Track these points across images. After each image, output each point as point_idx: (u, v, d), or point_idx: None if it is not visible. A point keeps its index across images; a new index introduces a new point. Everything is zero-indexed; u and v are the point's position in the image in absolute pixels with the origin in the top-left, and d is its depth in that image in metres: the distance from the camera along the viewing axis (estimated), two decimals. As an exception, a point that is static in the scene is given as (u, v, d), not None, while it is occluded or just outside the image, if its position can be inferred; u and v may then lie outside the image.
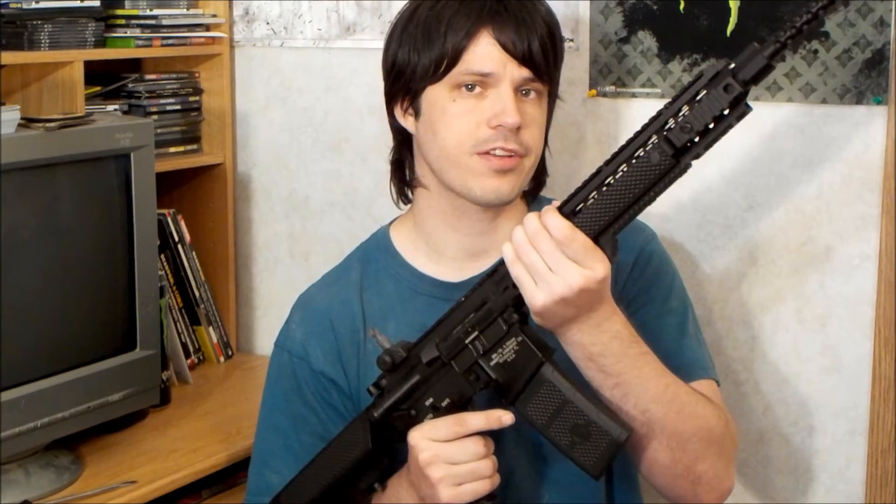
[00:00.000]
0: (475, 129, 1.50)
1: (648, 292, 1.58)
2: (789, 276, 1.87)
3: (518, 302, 1.40)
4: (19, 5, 2.03)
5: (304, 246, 2.37)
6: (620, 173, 1.33)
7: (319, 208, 2.34)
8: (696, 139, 1.31)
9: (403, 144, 1.63)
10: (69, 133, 1.81)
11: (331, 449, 1.52)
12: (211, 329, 2.39)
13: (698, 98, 1.31)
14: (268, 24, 2.34)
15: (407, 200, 1.65)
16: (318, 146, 2.33)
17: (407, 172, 1.63)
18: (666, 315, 1.58)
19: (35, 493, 1.76)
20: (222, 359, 2.40)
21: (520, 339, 1.40)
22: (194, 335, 2.37)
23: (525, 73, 1.50)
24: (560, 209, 1.36)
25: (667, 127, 1.31)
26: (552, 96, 1.59)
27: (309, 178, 2.34)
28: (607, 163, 1.35)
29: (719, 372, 1.94)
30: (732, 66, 1.30)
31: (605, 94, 1.97)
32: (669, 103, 1.33)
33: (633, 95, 1.94)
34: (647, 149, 1.32)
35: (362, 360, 1.60)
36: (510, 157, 1.50)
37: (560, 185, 1.98)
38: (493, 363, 1.41)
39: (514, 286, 1.38)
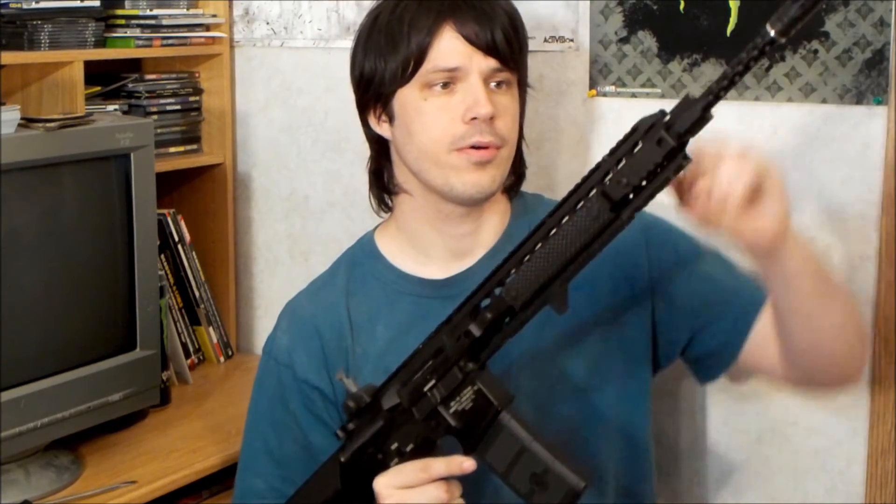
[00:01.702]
0: (450, 126, 1.50)
1: (678, 252, 1.59)
2: (789, 276, 1.87)
3: (473, 350, 1.40)
4: (19, 5, 2.03)
5: (304, 246, 2.37)
6: (563, 225, 1.33)
7: (319, 208, 2.34)
8: (633, 192, 1.30)
9: (381, 153, 1.63)
10: (69, 133, 1.81)
11: (304, 490, 1.53)
12: (211, 329, 2.39)
13: (635, 151, 1.30)
14: (268, 24, 2.34)
15: (388, 208, 1.66)
16: (318, 146, 2.33)
17: (386, 180, 1.63)
18: (706, 260, 1.59)
19: (35, 493, 1.77)
20: (222, 359, 2.40)
21: (476, 387, 1.40)
22: (194, 335, 2.37)
23: (492, 63, 1.51)
24: (506, 261, 1.36)
25: (606, 180, 1.31)
26: (522, 86, 1.59)
27: (309, 178, 2.34)
28: (551, 214, 1.35)
29: (719, 372, 1.93)
30: (667, 118, 1.28)
31: (605, 94, 1.97)
32: (609, 154, 1.32)
33: (633, 95, 1.94)
34: (587, 201, 1.32)
35: (351, 366, 1.60)
36: (487, 148, 1.50)
37: (560, 185, 1.98)
38: (451, 411, 1.41)
39: (466, 335, 1.38)
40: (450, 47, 1.50)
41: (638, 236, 1.58)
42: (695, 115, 1.27)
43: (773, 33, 1.21)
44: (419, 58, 1.50)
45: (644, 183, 1.28)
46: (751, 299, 1.54)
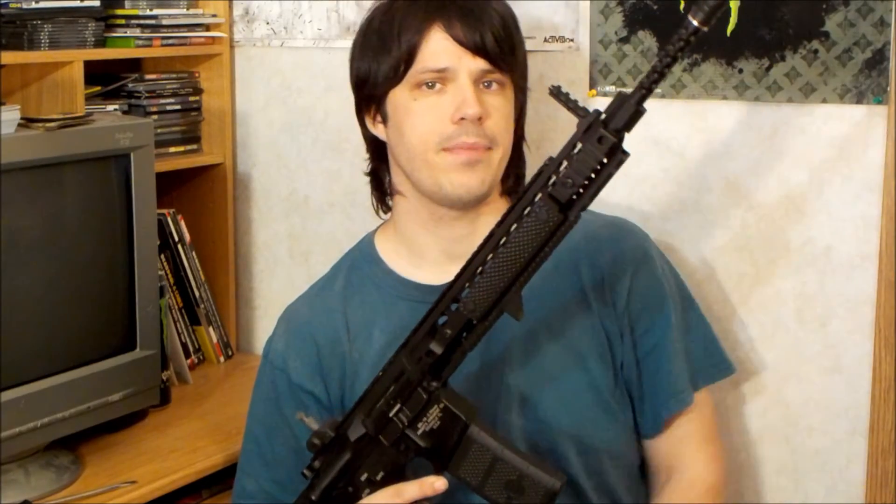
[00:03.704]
0: (439, 125, 1.51)
1: (650, 311, 1.61)
2: (789, 276, 1.87)
3: (434, 369, 1.41)
4: (19, 5, 2.03)
5: (304, 246, 2.37)
6: (513, 233, 1.35)
7: (319, 208, 2.34)
8: (580, 192, 1.33)
9: (378, 154, 1.64)
10: (69, 133, 1.81)
11: None
12: (211, 329, 2.39)
13: (575, 152, 1.32)
14: (268, 24, 2.34)
15: (387, 209, 1.66)
16: (318, 146, 2.33)
17: (385, 181, 1.64)
18: (664, 333, 1.62)
19: (35, 493, 1.77)
20: (222, 359, 2.40)
21: (442, 405, 1.41)
22: (194, 335, 2.37)
23: (481, 63, 1.51)
24: (457, 277, 1.39)
25: (550, 183, 1.33)
26: (518, 87, 1.59)
27: (309, 178, 2.34)
28: (499, 224, 1.37)
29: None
30: (603, 116, 1.31)
31: (605, 94, 1.97)
32: (550, 159, 1.35)
33: (633, 95, 1.94)
34: (534, 207, 1.34)
35: (348, 371, 1.61)
36: (476, 147, 1.51)
37: (560, 185, 1.98)
38: (419, 432, 1.42)
39: (428, 354, 1.40)
40: (438, 48, 1.51)
41: (637, 250, 1.61)
42: (630, 110, 1.31)
43: (695, 23, 1.27)
44: (409, 58, 1.51)
45: (587, 182, 1.32)
46: (659, 406, 1.61)
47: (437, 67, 1.51)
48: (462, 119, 1.49)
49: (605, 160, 1.31)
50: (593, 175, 1.32)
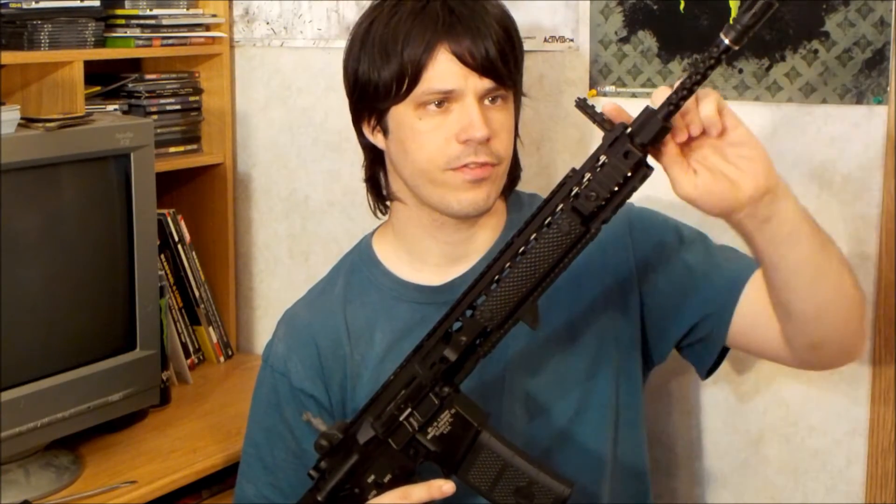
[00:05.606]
0: (445, 146, 1.49)
1: (661, 239, 1.59)
2: (789, 276, 1.87)
3: (446, 375, 1.41)
4: (19, 5, 2.04)
5: (304, 246, 2.37)
6: (532, 243, 1.35)
7: (319, 208, 2.34)
8: (603, 204, 1.32)
9: (375, 161, 1.62)
10: (69, 133, 1.81)
11: None
12: (211, 329, 2.39)
13: (600, 164, 1.32)
14: (268, 24, 2.34)
15: (386, 210, 1.66)
16: (318, 146, 2.33)
17: (382, 187, 1.63)
18: (689, 250, 1.59)
19: (35, 493, 1.77)
20: (222, 359, 2.40)
21: (453, 411, 1.41)
22: (194, 335, 2.37)
23: (487, 83, 1.49)
24: (474, 284, 1.38)
25: (573, 195, 1.33)
26: (517, 96, 1.58)
27: (309, 178, 2.35)
28: (519, 232, 1.36)
29: (719, 373, 1.94)
30: (629, 130, 1.30)
31: (605, 94, 1.97)
32: (573, 170, 1.34)
33: (633, 95, 1.94)
34: (556, 217, 1.33)
35: (349, 374, 1.60)
36: (483, 166, 1.50)
37: (560, 185, 1.98)
38: (430, 436, 1.42)
39: (441, 361, 1.39)
40: (445, 69, 1.48)
41: (622, 228, 1.59)
42: (657, 125, 1.29)
43: (727, 41, 1.25)
44: (413, 77, 1.49)
45: (610, 195, 1.31)
46: (732, 277, 1.54)
47: (443, 89, 1.48)
48: (468, 140, 1.48)
49: (629, 174, 1.31)
50: (616, 188, 1.32)
